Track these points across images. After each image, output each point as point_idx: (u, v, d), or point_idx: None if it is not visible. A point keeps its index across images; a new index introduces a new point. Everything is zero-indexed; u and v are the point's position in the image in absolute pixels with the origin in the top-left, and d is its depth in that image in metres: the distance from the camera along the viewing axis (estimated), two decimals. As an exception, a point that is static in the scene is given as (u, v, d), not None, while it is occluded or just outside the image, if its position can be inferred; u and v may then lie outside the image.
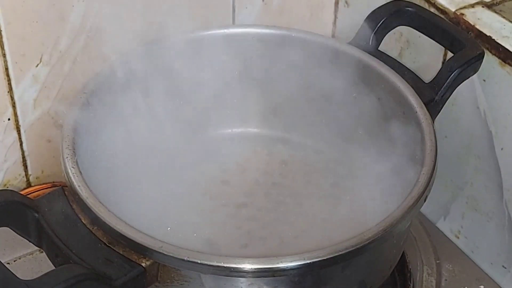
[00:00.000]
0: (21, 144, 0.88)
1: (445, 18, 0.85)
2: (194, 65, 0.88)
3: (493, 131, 0.83)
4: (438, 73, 0.81)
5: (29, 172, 0.91)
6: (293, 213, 0.83)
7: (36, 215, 0.68)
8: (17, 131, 0.87)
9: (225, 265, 0.64)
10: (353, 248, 0.65)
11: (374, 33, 0.85)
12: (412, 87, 0.80)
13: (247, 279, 0.66)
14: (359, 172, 0.88)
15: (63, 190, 0.70)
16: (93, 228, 0.67)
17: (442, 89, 0.80)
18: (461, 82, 0.81)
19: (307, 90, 0.89)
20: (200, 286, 0.67)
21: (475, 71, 0.81)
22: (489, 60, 0.81)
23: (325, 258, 0.64)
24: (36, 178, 0.92)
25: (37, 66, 0.84)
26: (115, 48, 0.87)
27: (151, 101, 0.86)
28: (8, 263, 0.84)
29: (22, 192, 0.88)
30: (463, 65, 0.80)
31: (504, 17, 0.84)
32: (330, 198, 0.85)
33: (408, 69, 0.83)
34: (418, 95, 0.79)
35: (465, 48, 0.80)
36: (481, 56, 0.81)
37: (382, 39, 0.87)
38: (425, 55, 0.89)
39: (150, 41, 0.86)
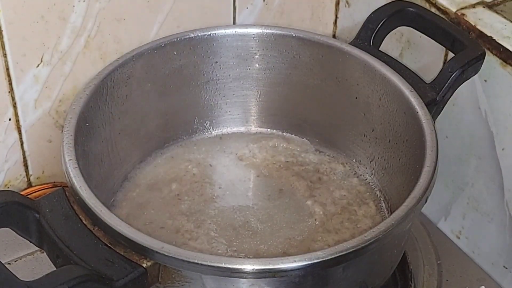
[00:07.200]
0: (22, 145, 0.88)
1: (446, 19, 0.85)
2: (195, 65, 0.88)
3: (494, 132, 0.83)
4: (439, 73, 0.81)
5: (30, 173, 0.91)
6: (294, 213, 0.83)
7: (37, 215, 0.68)
8: (18, 131, 0.87)
9: (226, 266, 0.64)
10: (354, 249, 0.65)
11: (375, 33, 0.85)
12: (413, 88, 0.80)
13: (248, 280, 0.66)
14: (360, 172, 0.88)
15: (64, 191, 0.70)
16: (94, 229, 0.67)
17: (443, 89, 0.80)
18: (462, 83, 0.81)
19: (308, 90, 0.89)
20: (201, 287, 0.67)
21: (476, 71, 0.81)
22: (490, 61, 0.81)
23: (326, 259, 0.64)
24: (37, 179, 0.92)
25: (38, 66, 0.84)
26: (115, 48, 0.87)
27: (151, 101, 0.86)
28: (9, 264, 0.84)
29: (22, 193, 0.88)
30: (464, 65, 0.80)
31: (505, 17, 0.84)
32: (331, 198, 0.85)
33: (409, 69, 0.83)
34: (419, 95, 0.79)
35: (466, 49, 0.80)
36: (482, 56, 0.81)
37: (383, 39, 0.87)
38: (426, 55, 0.89)
39: (150, 41, 0.86)
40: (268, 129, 0.93)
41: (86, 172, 0.73)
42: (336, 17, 1.01)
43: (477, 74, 0.82)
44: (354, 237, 0.66)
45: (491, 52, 0.81)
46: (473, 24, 0.83)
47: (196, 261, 0.64)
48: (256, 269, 0.64)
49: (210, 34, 0.87)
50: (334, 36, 1.03)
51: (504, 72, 0.80)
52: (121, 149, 0.84)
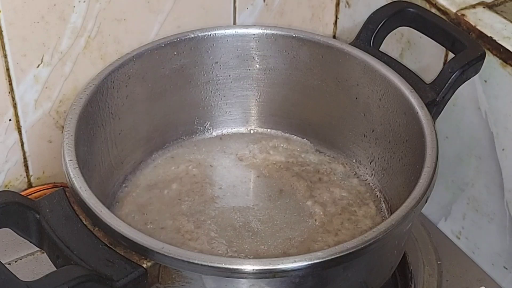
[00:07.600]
0: (22, 145, 0.88)
1: (446, 19, 0.85)
2: (195, 65, 0.88)
3: (494, 132, 0.83)
4: (439, 74, 0.81)
5: (30, 173, 0.91)
6: (294, 214, 0.83)
7: (37, 216, 0.68)
8: (18, 132, 0.87)
9: (226, 266, 0.64)
10: (355, 249, 0.65)
11: (375, 34, 0.85)
12: (413, 88, 0.80)
13: (248, 280, 0.66)
14: (360, 173, 0.88)
15: (64, 191, 0.70)
16: (94, 229, 0.67)
17: (443, 90, 0.80)
18: (462, 83, 0.81)
19: (308, 91, 0.89)
20: (201, 287, 0.67)
21: (476, 72, 0.81)
22: (490, 61, 0.81)
23: (326, 259, 0.64)
24: (37, 179, 0.92)
25: (38, 66, 0.84)
26: (115, 48, 0.87)
27: (151, 101, 0.86)
28: (9, 264, 0.84)
29: (23, 193, 0.88)
30: (464, 66, 0.80)
31: (505, 18, 0.84)
32: (332, 198, 0.85)
33: (409, 69, 0.83)
34: (419, 96, 0.79)
35: (466, 49, 0.80)
36: (482, 57, 0.81)
37: (383, 40, 0.87)
38: (426, 55, 0.89)
39: (150, 41, 0.86)
40: (268, 130, 0.93)
41: (86, 172, 0.73)
42: (336, 17, 1.01)
43: (477, 75, 0.82)
44: (354, 237, 0.66)
45: (491, 52, 0.81)
46: (473, 24, 0.83)
47: (196, 262, 0.64)
48: (257, 270, 0.64)
49: (210, 34, 0.87)
50: (334, 36, 1.03)
51: (504, 73, 0.80)
52: (121, 149, 0.84)
